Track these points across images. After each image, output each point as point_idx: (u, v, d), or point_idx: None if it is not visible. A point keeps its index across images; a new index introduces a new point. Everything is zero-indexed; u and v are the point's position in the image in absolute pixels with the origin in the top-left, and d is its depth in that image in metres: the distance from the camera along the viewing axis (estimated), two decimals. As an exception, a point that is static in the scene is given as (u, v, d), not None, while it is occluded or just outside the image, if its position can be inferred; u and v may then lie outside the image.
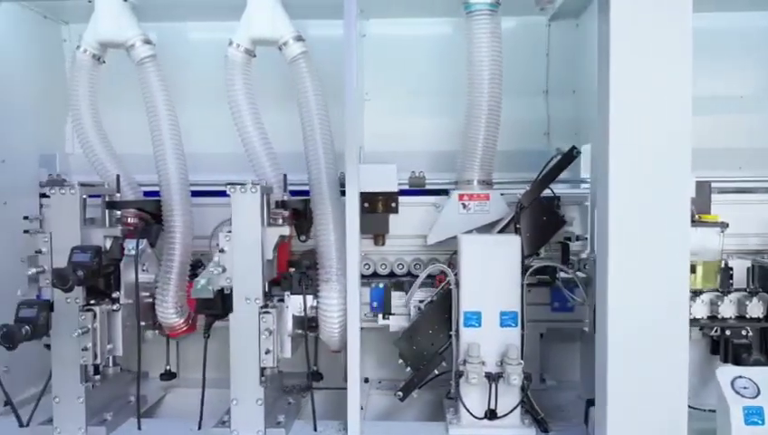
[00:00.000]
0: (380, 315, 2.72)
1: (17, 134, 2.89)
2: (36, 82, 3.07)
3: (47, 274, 2.41)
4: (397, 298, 2.72)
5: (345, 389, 3.01)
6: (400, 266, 2.99)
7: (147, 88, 2.74)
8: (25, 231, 2.92)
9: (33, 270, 2.40)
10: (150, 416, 2.86)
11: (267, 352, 2.37)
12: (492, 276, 2.44)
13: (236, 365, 2.40)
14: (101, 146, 2.79)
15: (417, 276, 2.63)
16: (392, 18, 3.22)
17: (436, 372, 2.64)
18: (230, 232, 2.40)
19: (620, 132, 2.05)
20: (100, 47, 2.78)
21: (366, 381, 3.08)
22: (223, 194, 3.02)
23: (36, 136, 3.06)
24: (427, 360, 2.63)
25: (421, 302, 2.65)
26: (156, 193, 2.80)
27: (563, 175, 3.18)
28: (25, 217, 2.92)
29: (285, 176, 2.65)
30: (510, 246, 2.45)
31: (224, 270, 2.39)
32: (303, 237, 2.76)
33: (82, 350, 2.40)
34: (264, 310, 2.39)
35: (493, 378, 2.39)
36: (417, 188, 3.03)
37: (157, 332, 2.77)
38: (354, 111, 2.40)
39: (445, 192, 2.97)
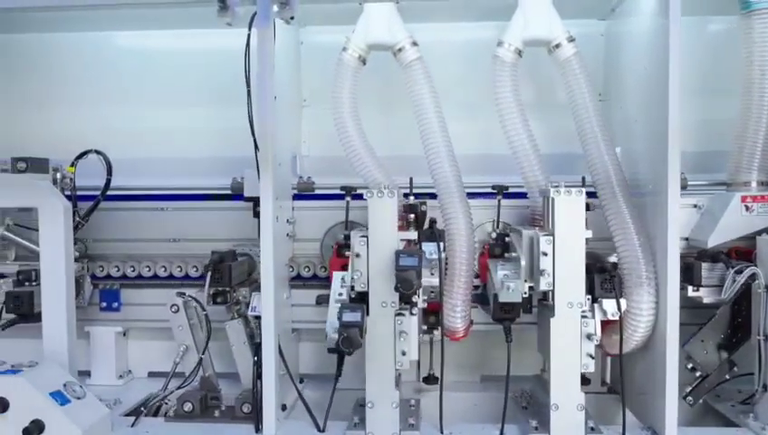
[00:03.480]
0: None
1: (282, 137, 2.87)
2: (284, 85, 3.06)
3: (362, 277, 2.39)
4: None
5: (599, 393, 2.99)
6: (659, 269, 2.95)
7: (416, 90, 2.72)
8: (288, 235, 2.94)
9: (356, 275, 2.37)
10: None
11: (592, 356, 2.34)
12: (811, 280, 2.40)
13: (557, 371, 2.37)
14: (365, 148, 2.76)
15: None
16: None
17: (727, 377, 2.61)
18: (548, 236, 2.36)
19: None
20: (367, 49, 2.75)
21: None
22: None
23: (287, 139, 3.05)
24: (718, 364, 2.60)
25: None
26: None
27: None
28: (288, 221, 2.94)
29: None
30: (831, 250, 2.40)
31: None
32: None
33: (401, 354, 2.38)
34: (584, 314, 2.36)
35: (819, 384, 2.35)
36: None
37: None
38: (676, 110, 2.35)
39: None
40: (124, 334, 3.21)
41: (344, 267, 2.75)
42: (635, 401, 2.70)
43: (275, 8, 2.45)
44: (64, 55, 3.26)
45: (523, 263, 2.45)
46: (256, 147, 2.60)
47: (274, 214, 2.50)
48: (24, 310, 2.67)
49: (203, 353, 2.67)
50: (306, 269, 3.05)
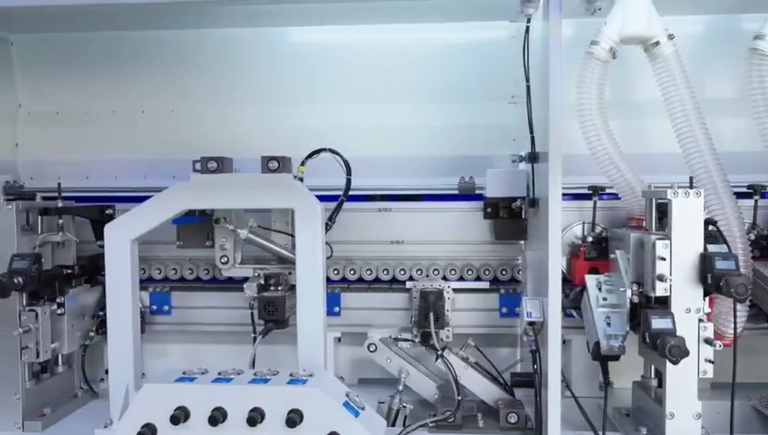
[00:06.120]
0: None
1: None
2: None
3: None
4: None
5: None
6: None
7: (672, 85, 2.60)
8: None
9: (663, 280, 2.26)
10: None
11: None
12: None
13: None
14: (615, 148, 2.65)
15: None
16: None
17: None
18: None
19: None
20: (619, 42, 2.64)
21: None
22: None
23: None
24: None
25: None
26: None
27: None
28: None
29: None
30: None
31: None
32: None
33: (707, 362, 2.29)
34: None
35: None
36: None
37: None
38: None
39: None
40: (339, 340, 3.10)
41: (592, 271, 2.68)
42: None
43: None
44: (293, 52, 3.15)
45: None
46: (533, 143, 2.50)
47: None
48: (279, 316, 2.56)
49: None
50: (523, 272, 2.95)
